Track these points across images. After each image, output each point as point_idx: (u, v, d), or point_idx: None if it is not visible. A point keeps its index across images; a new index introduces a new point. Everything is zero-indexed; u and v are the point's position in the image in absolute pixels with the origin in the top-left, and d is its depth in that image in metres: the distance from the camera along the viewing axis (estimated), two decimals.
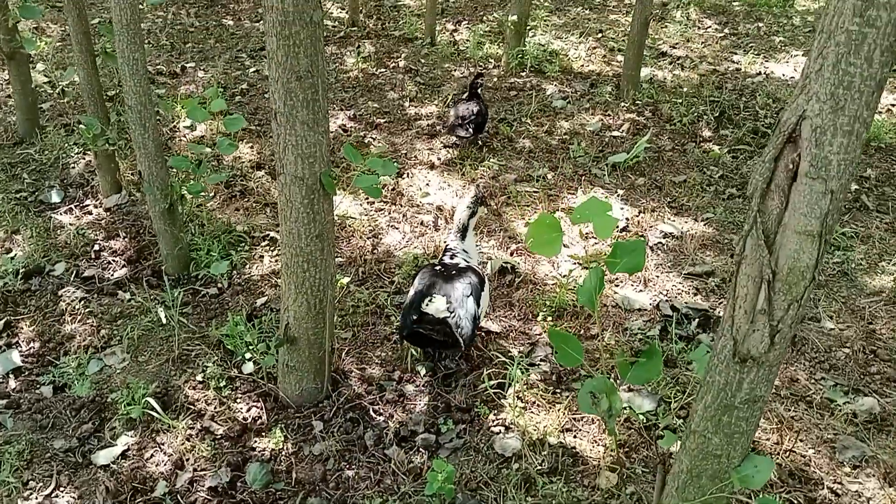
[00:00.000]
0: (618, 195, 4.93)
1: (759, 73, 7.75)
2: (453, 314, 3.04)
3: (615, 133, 6.04)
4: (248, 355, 3.43)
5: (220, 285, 4.07)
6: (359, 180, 2.82)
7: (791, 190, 1.62)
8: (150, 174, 3.90)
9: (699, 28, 9.65)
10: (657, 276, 4.09)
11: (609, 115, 6.46)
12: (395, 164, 2.68)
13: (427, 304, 3.08)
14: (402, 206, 4.82)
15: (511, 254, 4.27)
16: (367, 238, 4.41)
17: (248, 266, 4.19)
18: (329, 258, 2.97)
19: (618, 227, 4.58)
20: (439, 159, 5.54)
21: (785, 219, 1.65)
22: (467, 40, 8.38)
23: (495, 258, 4.10)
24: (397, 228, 4.52)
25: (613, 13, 10.44)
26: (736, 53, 8.57)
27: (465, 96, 5.83)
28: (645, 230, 4.55)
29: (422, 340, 3.16)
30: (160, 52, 8.11)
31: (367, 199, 4.92)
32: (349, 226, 4.51)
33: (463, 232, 3.55)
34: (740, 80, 7.51)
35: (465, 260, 3.45)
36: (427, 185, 5.17)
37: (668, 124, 6.28)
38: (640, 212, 4.78)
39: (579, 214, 2.02)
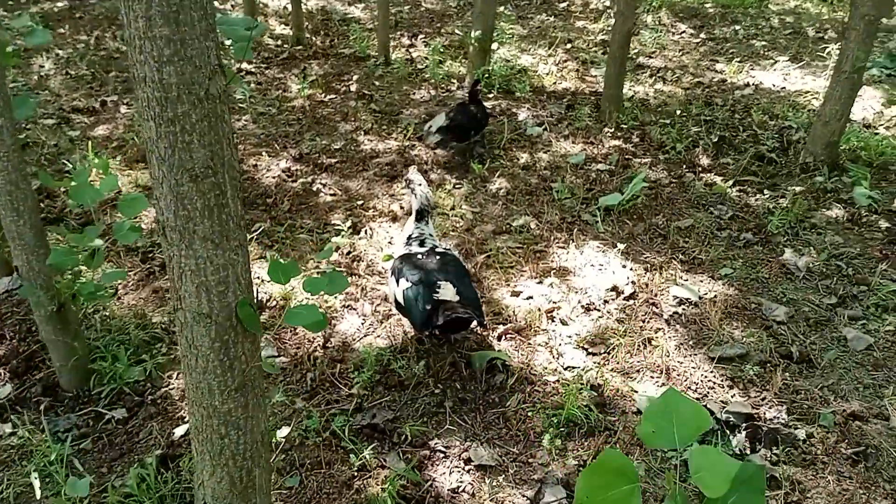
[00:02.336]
0: (617, 250, 4.14)
1: (748, 84, 7.07)
2: (462, 296, 3.02)
3: (601, 166, 5.26)
4: None
5: (129, 405, 3.17)
6: (291, 316, 1.95)
7: None
8: (30, 271, 2.99)
9: (673, 33, 8.96)
10: (679, 363, 3.30)
11: (592, 143, 5.68)
12: (345, 276, 1.81)
13: (440, 293, 3.01)
14: (359, 275, 3.96)
15: (499, 338, 3.44)
16: None
17: (166, 373, 3.30)
18: (257, 414, 2.11)
19: (622, 293, 3.79)
20: (402, 207, 4.70)
21: None
22: (425, 57, 7.55)
23: (480, 352, 3.27)
24: (355, 309, 3.66)
25: (579, 19, 9.71)
26: (718, 61, 7.89)
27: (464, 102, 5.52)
28: (655, 296, 3.77)
29: (456, 324, 3.08)
30: (78, 85, 7.12)
31: (316, 266, 4.05)
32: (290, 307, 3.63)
33: (424, 215, 3.49)
34: (729, 93, 6.81)
35: (433, 244, 3.40)
36: (389, 243, 4.32)
37: (660, 152, 5.52)
38: (645, 270, 3.99)
39: (656, 437, 1.19)
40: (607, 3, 10.22)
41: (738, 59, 7.76)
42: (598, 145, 5.64)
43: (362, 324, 3.54)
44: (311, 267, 4.04)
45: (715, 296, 3.77)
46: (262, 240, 4.30)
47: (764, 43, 8.52)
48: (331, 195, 4.90)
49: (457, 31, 8.79)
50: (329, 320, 3.58)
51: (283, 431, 2.80)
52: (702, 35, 8.92)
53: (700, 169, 5.22)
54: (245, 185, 4.99)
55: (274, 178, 5.12)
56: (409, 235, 3.47)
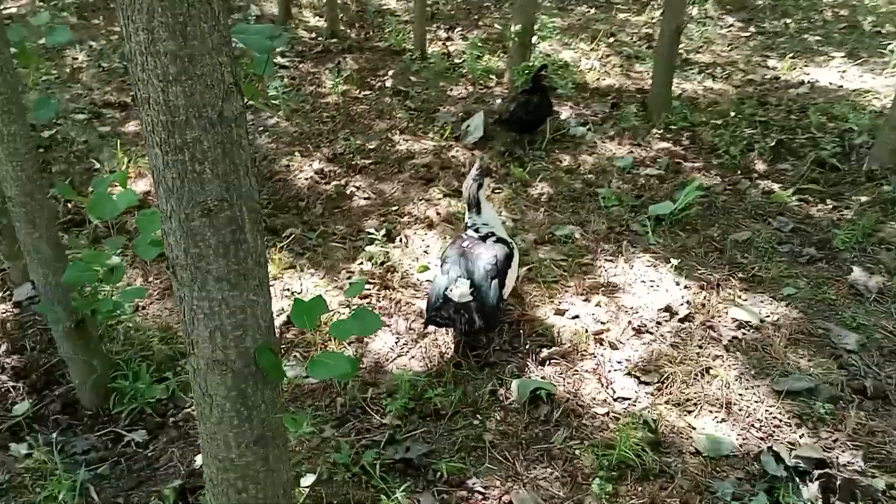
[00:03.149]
0: (670, 266, 3.85)
1: (803, 83, 6.69)
2: (476, 299, 3.05)
3: (651, 170, 4.96)
4: None
5: (150, 426, 2.99)
6: (316, 367, 1.72)
7: None
8: (46, 286, 2.82)
9: (721, 26, 8.57)
10: (741, 396, 3.02)
11: (640, 146, 5.38)
12: (377, 315, 1.56)
13: (451, 291, 3.07)
14: (393, 287, 3.74)
15: (542, 363, 3.19)
16: (349, 343, 3.33)
17: (190, 393, 3.11)
18: (279, 466, 1.89)
19: (676, 313, 3.51)
20: (439, 214, 4.46)
21: None
22: (463, 52, 7.28)
23: (522, 381, 3.02)
24: (388, 327, 3.44)
25: (622, 11, 9.35)
26: (769, 57, 7.50)
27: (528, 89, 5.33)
28: (713, 318, 3.48)
29: (440, 325, 3.15)
30: (111, 78, 7.00)
31: (348, 277, 3.84)
32: (324, 325, 3.42)
33: (477, 206, 3.48)
34: (783, 91, 6.44)
35: (491, 232, 3.42)
36: (425, 252, 4.09)
37: (712, 155, 5.20)
38: (701, 288, 3.71)
39: None
40: None
41: (791, 55, 7.37)
42: (645, 147, 5.34)
43: (396, 342, 3.32)
44: (343, 277, 3.83)
45: (778, 319, 3.48)
46: (293, 247, 4.09)
47: (818, 37, 8.09)
48: (365, 199, 4.68)
49: (496, 25, 8.50)
50: (361, 339, 3.36)
51: (309, 479, 2.58)
52: (751, 29, 8.52)
53: (756, 175, 4.89)
54: (277, 188, 4.80)
55: (307, 179, 4.91)
56: (466, 224, 3.55)
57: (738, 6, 9.38)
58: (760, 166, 5.01)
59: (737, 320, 3.46)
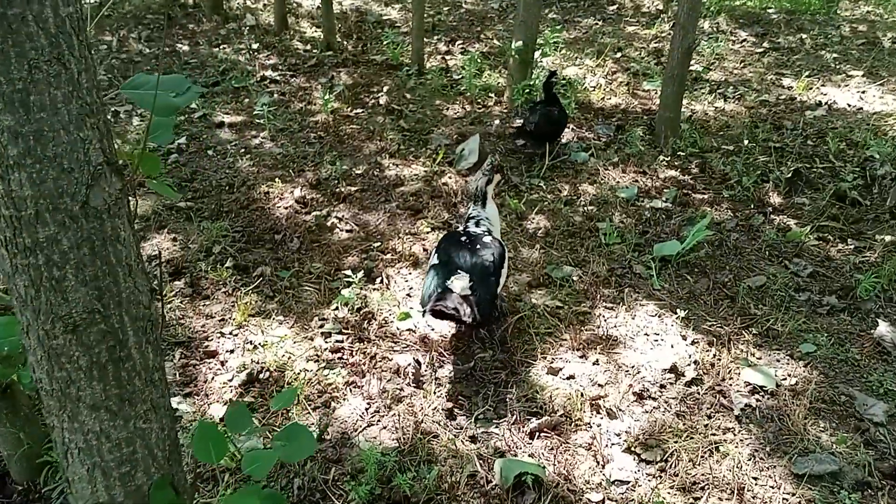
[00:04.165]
0: (677, 317, 3.49)
1: (820, 104, 6.31)
2: (475, 293, 3.01)
3: (657, 203, 4.60)
4: None
5: None
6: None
7: None
8: None
9: (733, 41, 8.20)
10: (755, 480, 2.65)
11: (645, 173, 5.02)
12: (312, 435, 1.20)
13: (452, 282, 3.04)
14: (368, 339, 3.39)
15: (531, 436, 2.83)
16: (314, 408, 2.97)
17: None
18: None
19: (682, 375, 3.15)
20: (426, 250, 4.11)
21: None
22: (462, 67, 6.93)
23: (506, 461, 2.65)
24: (360, 388, 3.09)
25: (630, 24, 8.99)
26: (784, 75, 7.13)
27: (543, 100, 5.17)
28: (723, 380, 3.12)
29: (443, 316, 3.02)
30: None
31: (320, 326, 3.49)
32: (286, 386, 3.07)
33: (483, 199, 3.55)
34: (799, 114, 6.07)
35: (489, 228, 3.46)
36: (408, 296, 3.74)
37: (723, 186, 4.83)
38: (710, 344, 3.34)
39: None
40: (660, 7, 9.48)
41: (808, 74, 6.99)
42: (651, 176, 4.98)
43: (367, 409, 2.96)
44: (315, 326, 3.48)
45: (796, 383, 3.11)
46: (263, 288, 3.75)
47: (835, 55, 7.71)
48: (347, 231, 4.34)
49: (496, 40, 8.16)
50: (329, 399, 3.01)
51: None
52: (764, 44, 8.15)
53: (771, 209, 4.52)
54: (253, 218, 4.46)
55: (286, 208, 4.57)
56: (469, 215, 3.54)
57: (752, 20, 9.01)
58: (775, 199, 4.65)
59: (750, 384, 3.09)
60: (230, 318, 3.50)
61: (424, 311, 3.07)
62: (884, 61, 7.44)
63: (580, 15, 9.41)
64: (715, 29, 8.65)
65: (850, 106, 6.30)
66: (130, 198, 1.19)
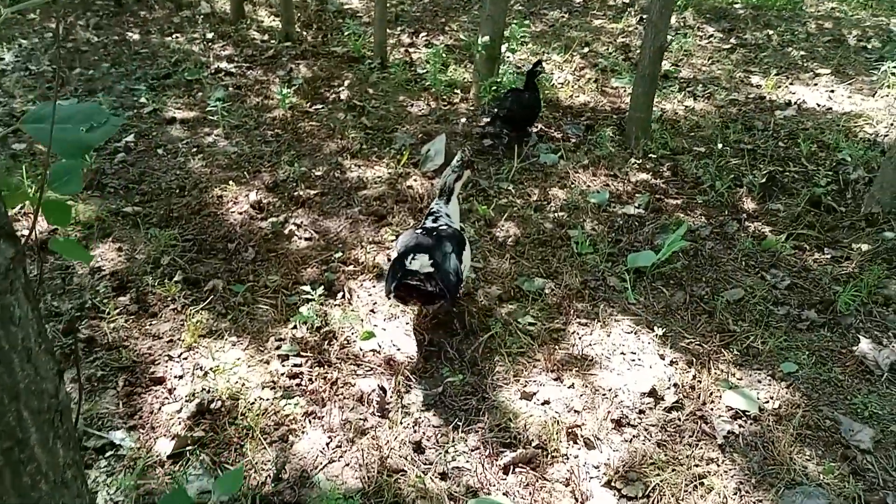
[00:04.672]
0: (654, 335, 3.33)
1: (789, 103, 6.22)
2: (437, 269, 2.98)
3: (629, 209, 4.44)
4: None
5: None
6: None
7: None
8: None
9: (700, 37, 8.10)
10: None
11: (616, 177, 4.86)
12: (240, 472, 0.99)
13: (410, 262, 3.02)
14: (330, 361, 3.16)
15: (505, 471, 2.64)
16: (269, 442, 2.74)
17: None
18: None
19: (662, 399, 2.99)
20: (389, 259, 3.90)
21: None
22: (426, 61, 6.70)
23: (480, 501, 2.46)
24: (320, 419, 2.86)
25: (597, 17, 8.84)
26: (752, 72, 7.04)
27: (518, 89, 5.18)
28: (704, 404, 2.97)
29: (409, 295, 3.03)
30: (36, 84, 6.31)
31: (277, 347, 3.25)
32: (240, 418, 2.84)
33: (448, 195, 3.50)
34: (769, 113, 5.97)
35: (448, 224, 3.40)
36: (372, 311, 3.52)
37: (696, 191, 4.70)
38: (689, 364, 3.19)
39: None
40: (627, 0, 9.35)
41: (776, 72, 6.91)
42: (622, 180, 4.82)
43: (327, 444, 2.74)
44: (272, 347, 3.24)
45: (779, 406, 2.98)
46: (215, 305, 3.49)
47: (802, 52, 7.65)
48: (305, 239, 4.09)
49: (461, 33, 7.93)
50: (287, 432, 2.78)
51: None
52: (732, 40, 8.06)
53: (745, 216, 4.40)
54: (205, 225, 4.19)
55: (240, 214, 4.31)
56: (430, 210, 3.52)
57: (719, 15, 8.93)
58: (749, 205, 4.52)
59: (732, 408, 2.95)
60: (179, 338, 3.24)
61: (390, 295, 3.05)
62: (850, 59, 7.40)
63: (546, 7, 9.22)
64: (682, 24, 8.55)
65: (819, 106, 6.23)
66: (30, 262, 0.95)
